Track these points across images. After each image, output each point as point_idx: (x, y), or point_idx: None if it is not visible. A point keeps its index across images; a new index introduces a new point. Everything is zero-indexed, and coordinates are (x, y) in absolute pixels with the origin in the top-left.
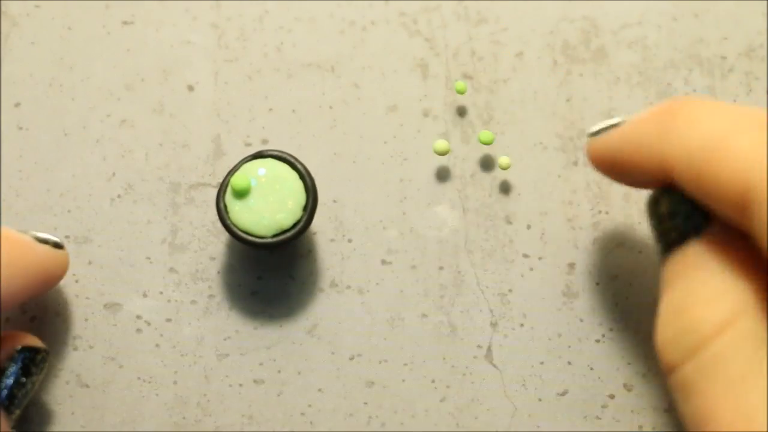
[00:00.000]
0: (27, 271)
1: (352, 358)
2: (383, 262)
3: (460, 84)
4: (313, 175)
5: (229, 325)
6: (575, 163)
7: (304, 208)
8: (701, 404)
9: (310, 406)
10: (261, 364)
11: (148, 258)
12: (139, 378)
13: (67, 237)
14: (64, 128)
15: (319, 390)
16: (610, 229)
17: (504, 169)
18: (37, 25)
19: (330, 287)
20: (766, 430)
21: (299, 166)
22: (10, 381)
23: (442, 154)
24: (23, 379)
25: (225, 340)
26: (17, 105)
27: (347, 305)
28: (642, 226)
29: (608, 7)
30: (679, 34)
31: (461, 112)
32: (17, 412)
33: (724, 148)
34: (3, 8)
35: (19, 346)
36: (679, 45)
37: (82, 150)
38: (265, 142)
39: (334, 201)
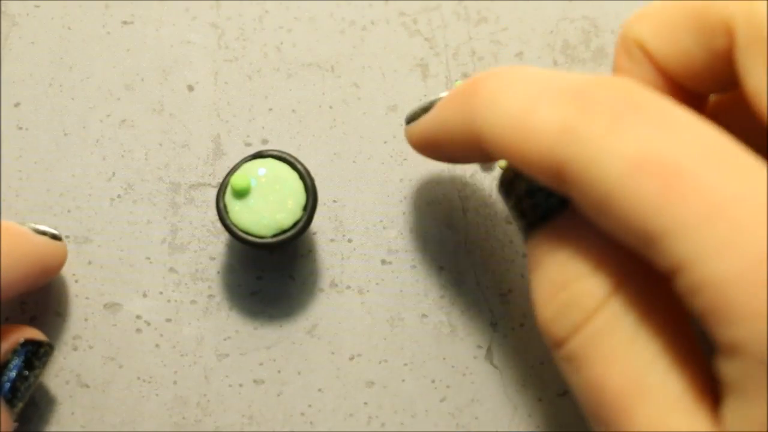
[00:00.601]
0: (25, 260)
1: (352, 358)
2: (383, 262)
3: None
4: (313, 175)
5: (229, 325)
6: None
7: (304, 208)
8: (591, 374)
9: (310, 406)
10: (261, 364)
11: (148, 258)
12: (138, 378)
13: (67, 237)
14: (63, 128)
15: (319, 390)
16: None
17: (504, 168)
18: (37, 24)
19: (330, 287)
20: (655, 387)
21: (299, 166)
22: (12, 374)
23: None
24: (26, 372)
25: (225, 340)
26: (17, 105)
27: (347, 305)
28: None
29: (608, 7)
30: None
31: None
32: (20, 405)
33: (525, 122)
34: (3, 8)
35: (22, 339)
36: None
37: (81, 150)
38: (265, 142)
39: (334, 201)
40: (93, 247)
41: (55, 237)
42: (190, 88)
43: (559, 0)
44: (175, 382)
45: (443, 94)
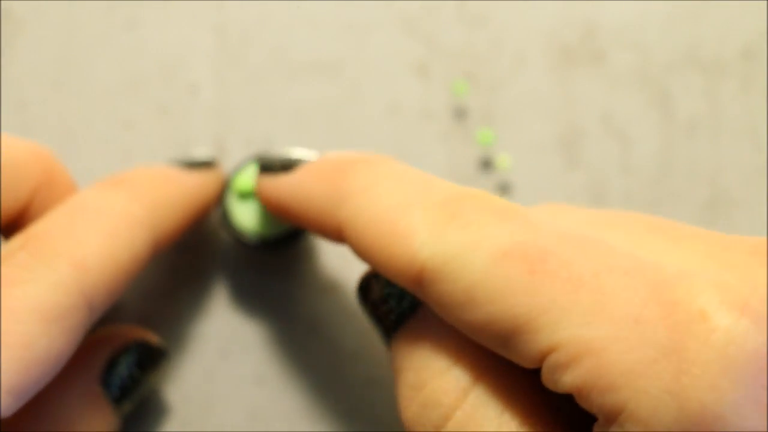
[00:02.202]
0: (176, 210)
1: (352, 357)
2: None
3: (460, 84)
4: None
5: (231, 324)
6: (575, 164)
7: None
8: None
9: (310, 405)
10: (262, 363)
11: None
12: None
13: None
14: (67, 129)
15: (320, 389)
16: None
17: (504, 169)
18: (41, 26)
19: (331, 287)
20: None
21: None
22: (123, 373)
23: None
24: (136, 372)
25: (226, 339)
26: (21, 106)
27: (348, 304)
28: None
29: (608, 8)
30: (678, 36)
31: (461, 112)
32: (127, 406)
33: (394, 227)
34: (6, 9)
35: (136, 339)
36: (678, 46)
37: (85, 151)
38: (267, 142)
39: None
40: None
41: (207, 164)
42: (193, 89)
43: (559, 0)
44: (176, 382)
45: (304, 155)
